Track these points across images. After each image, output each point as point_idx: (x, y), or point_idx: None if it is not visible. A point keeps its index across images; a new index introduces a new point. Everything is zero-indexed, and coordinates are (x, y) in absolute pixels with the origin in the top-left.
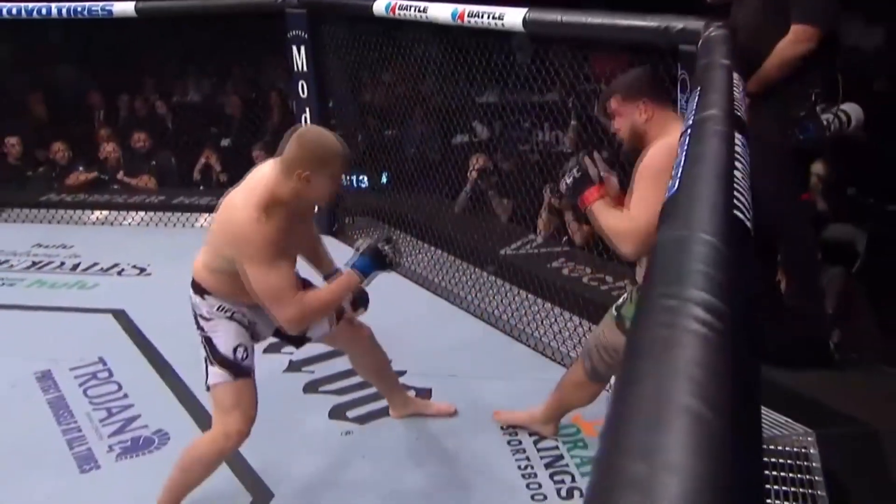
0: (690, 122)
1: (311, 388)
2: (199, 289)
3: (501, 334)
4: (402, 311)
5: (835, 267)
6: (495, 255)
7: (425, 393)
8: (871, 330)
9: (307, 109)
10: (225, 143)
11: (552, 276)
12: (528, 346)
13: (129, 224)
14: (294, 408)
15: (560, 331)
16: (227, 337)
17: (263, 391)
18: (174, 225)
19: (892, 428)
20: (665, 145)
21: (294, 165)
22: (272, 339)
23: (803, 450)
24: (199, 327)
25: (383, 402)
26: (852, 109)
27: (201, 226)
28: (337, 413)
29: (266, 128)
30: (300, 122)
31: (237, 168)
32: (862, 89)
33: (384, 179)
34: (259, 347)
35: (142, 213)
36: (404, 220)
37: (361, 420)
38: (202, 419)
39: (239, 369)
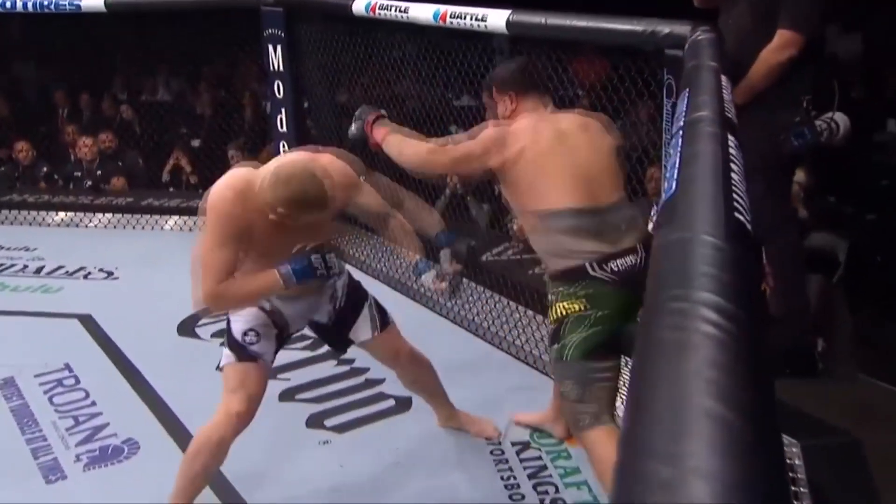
0: (681, 123)
1: (287, 395)
2: None
3: (482, 342)
4: None
5: (815, 275)
6: (475, 261)
7: (405, 402)
8: (851, 339)
9: (283, 110)
10: (195, 143)
11: (533, 283)
12: (510, 353)
13: (96, 226)
14: (269, 416)
15: (542, 338)
16: (243, 321)
17: None
18: (142, 227)
19: (875, 438)
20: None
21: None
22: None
23: (788, 461)
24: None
25: (363, 411)
26: (840, 118)
27: (170, 228)
28: (314, 422)
29: (239, 128)
30: (275, 122)
31: (208, 169)
32: (840, 97)
33: None
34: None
35: (108, 215)
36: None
37: (340, 429)
38: (173, 427)
39: (244, 353)
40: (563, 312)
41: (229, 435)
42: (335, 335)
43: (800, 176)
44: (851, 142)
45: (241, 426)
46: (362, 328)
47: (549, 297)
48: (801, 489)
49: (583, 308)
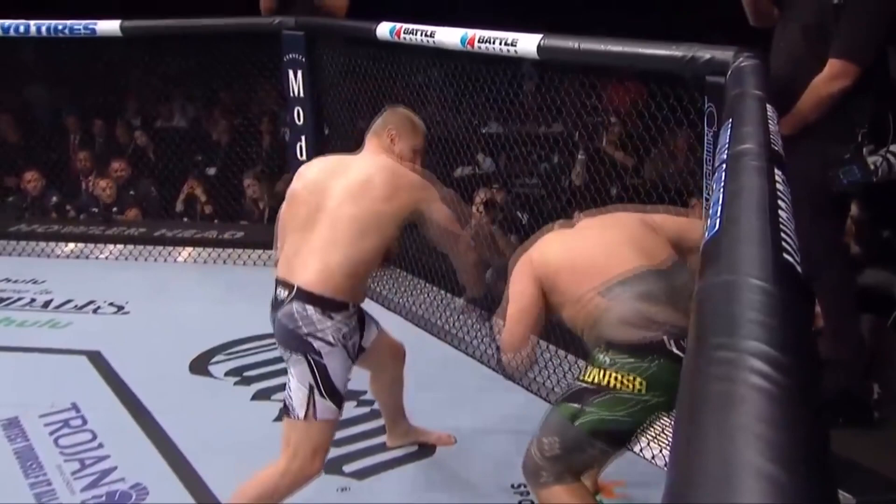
0: (724, 156)
1: None
2: (326, 305)
3: (504, 380)
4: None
5: (868, 315)
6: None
7: (429, 446)
8: None
9: (302, 137)
10: (211, 171)
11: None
12: (532, 391)
13: (106, 258)
14: None
15: (564, 375)
16: (343, 368)
17: (253, 440)
18: (154, 259)
19: None
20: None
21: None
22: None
23: None
24: (314, 350)
25: (384, 456)
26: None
27: (184, 260)
28: (332, 467)
29: (256, 156)
30: (294, 150)
31: (223, 198)
32: None
33: None
34: (246, 392)
35: (120, 246)
36: (402, 256)
37: (360, 475)
38: (183, 471)
39: (342, 406)
40: (612, 384)
41: (292, 492)
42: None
43: (852, 210)
44: None
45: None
46: (370, 329)
47: (600, 357)
48: None
49: (637, 390)
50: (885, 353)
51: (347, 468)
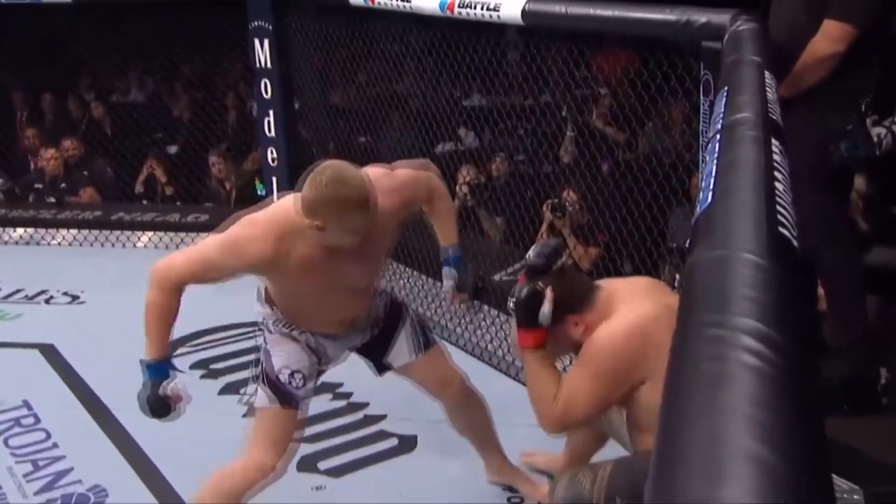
0: (719, 126)
1: None
2: (267, 297)
3: (493, 370)
4: None
5: (876, 296)
6: (488, 280)
7: (410, 440)
8: None
9: (270, 112)
10: (172, 150)
11: None
12: (521, 382)
13: (59, 244)
14: None
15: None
16: (286, 358)
17: (221, 438)
18: (112, 245)
19: None
20: (611, 333)
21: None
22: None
23: None
24: (263, 339)
25: (362, 451)
26: None
27: (144, 246)
28: (306, 465)
29: (221, 132)
30: (263, 125)
31: (186, 179)
32: None
33: None
34: (213, 386)
35: (74, 232)
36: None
37: (335, 473)
38: (145, 471)
39: (288, 398)
40: None
41: (258, 487)
42: (372, 357)
43: (858, 183)
44: None
45: (271, 481)
46: (400, 350)
47: None
48: None
49: None
50: (893, 336)
51: (322, 465)
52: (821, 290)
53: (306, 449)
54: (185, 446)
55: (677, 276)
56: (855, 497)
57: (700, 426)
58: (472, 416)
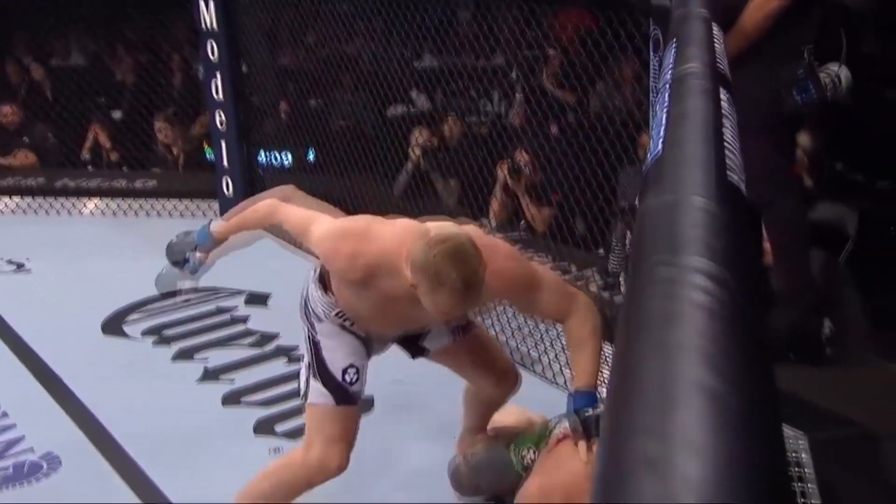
0: (668, 77)
1: (232, 399)
2: (323, 281)
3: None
4: None
5: (820, 250)
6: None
7: (367, 402)
8: (862, 321)
9: (218, 74)
10: (116, 115)
11: None
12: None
13: (2, 211)
14: (212, 423)
15: (519, 327)
16: (341, 352)
17: (177, 404)
18: (57, 212)
19: (889, 429)
20: None
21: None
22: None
23: (794, 455)
24: (310, 324)
25: None
26: (843, 72)
27: (90, 213)
28: (264, 427)
29: (167, 96)
30: (210, 89)
31: (132, 144)
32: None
33: (311, 156)
34: (166, 352)
35: (16, 199)
36: (335, 203)
37: (292, 435)
38: (100, 439)
39: (344, 395)
40: None
41: (318, 484)
42: (406, 341)
43: (804, 140)
44: (861, 101)
45: (329, 479)
46: (439, 333)
47: None
48: (810, 486)
49: None
50: (837, 289)
51: (279, 428)
52: (767, 245)
53: (263, 412)
54: (138, 413)
55: (628, 234)
56: (800, 442)
57: (651, 359)
58: (495, 399)
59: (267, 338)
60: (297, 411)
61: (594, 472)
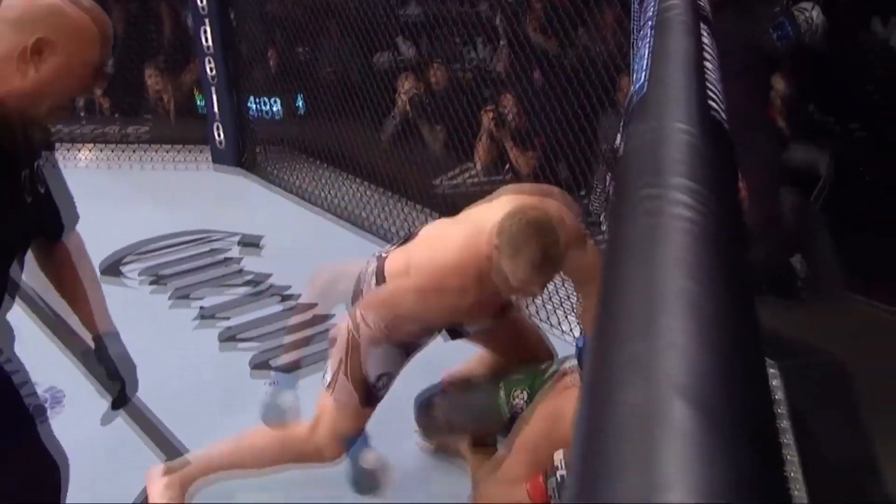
0: (651, 13)
1: (228, 338)
2: (383, 278)
3: None
4: (328, 250)
5: (792, 190)
6: (429, 187)
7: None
8: (833, 258)
9: (206, 23)
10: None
11: None
12: None
13: None
14: (210, 361)
15: None
16: (378, 359)
17: (175, 343)
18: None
19: (858, 360)
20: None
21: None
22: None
23: None
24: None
25: (312, 348)
26: (816, 12)
27: (85, 165)
28: (260, 363)
29: (157, 45)
30: (199, 38)
31: (124, 91)
32: None
33: (300, 104)
34: (163, 294)
35: None
36: (324, 150)
37: (287, 369)
38: None
39: (371, 399)
40: None
41: (298, 463)
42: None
43: (778, 83)
44: (833, 45)
45: (325, 466)
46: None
47: None
48: (780, 411)
49: None
50: (809, 227)
51: (275, 363)
52: (741, 183)
53: (259, 349)
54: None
55: (608, 176)
56: (770, 370)
57: (638, 271)
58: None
59: (260, 279)
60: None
61: (584, 379)
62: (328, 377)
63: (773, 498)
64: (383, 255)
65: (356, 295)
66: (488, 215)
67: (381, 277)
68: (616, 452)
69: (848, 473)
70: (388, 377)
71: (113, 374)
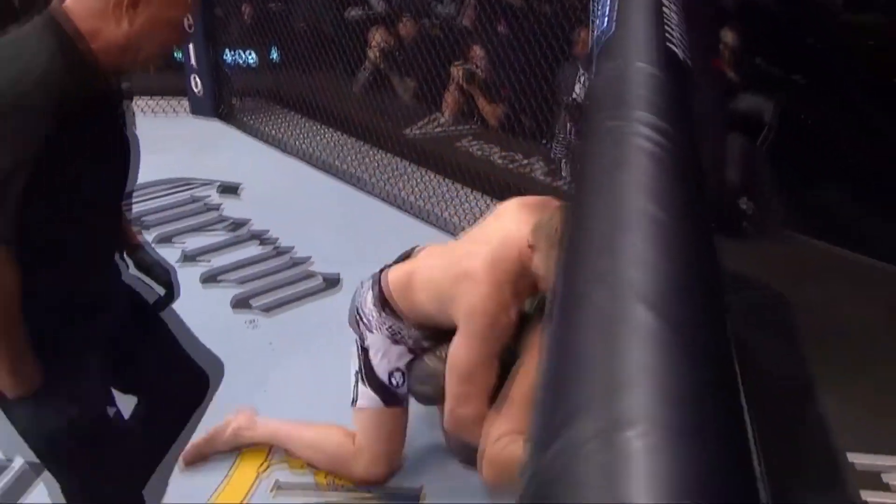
0: None
1: (210, 278)
2: (382, 300)
3: (409, 217)
4: (304, 196)
5: (739, 135)
6: (400, 136)
7: (333, 280)
8: (777, 199)
9: None
10: None
11: (460, 157)
12: (438, 227)
13: None
14: (192, 300)
15: (471, 209)
16: (388, 359)
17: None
18: None
19: (795, 291)
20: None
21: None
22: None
23: None
24: (360, 333)
25: (290, 290)
26: None
27: None
28: (241, 303)
29: None
30: None
31: None
32: None
33: (274, 55)
34: (148, 238)
35: None
36: (299, 100)
37: (267, 309)
38: None
39: (393, 397)
40: None
41: (354, 479)
42: None
43: (727, 36)
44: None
45: (374, 484)
46: None
47: None
48: None
49: None
50: (754, 169)
51: (255, 303)
52: None
53: (240, 289)
54: None
55: (569, 125)
56: None
57: (602, 194)
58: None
59: (240, 223)
60: (271, 287)
61: (553, 292)
62: (353, 397)
63: (729, 395)
64: (380, 277)
65: (356, 315)
66: (507, 225)
67: (382, 296)
68: (583, 354)
69: (785, 394)
70: (401, 373)
71: (162, 276)
